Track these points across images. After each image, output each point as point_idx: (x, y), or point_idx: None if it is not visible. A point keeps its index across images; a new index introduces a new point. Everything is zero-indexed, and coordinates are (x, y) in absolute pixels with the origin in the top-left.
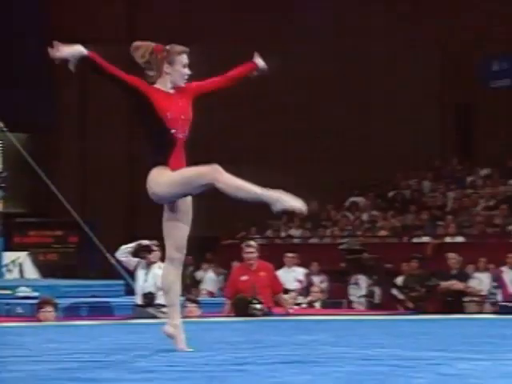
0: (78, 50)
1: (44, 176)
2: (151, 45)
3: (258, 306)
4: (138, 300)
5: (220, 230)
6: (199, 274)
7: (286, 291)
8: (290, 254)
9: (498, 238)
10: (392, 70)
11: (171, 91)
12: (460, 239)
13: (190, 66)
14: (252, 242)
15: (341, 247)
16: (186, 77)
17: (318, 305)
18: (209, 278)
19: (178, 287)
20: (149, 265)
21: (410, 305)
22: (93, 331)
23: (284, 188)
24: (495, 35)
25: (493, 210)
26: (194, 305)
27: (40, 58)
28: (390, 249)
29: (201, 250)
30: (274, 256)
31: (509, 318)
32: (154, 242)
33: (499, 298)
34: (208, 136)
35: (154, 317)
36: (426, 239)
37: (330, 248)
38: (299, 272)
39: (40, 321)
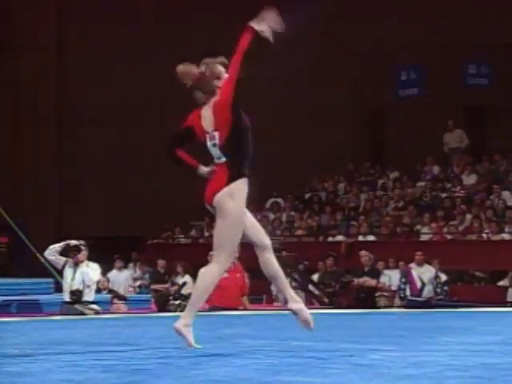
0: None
1: None
2: (193, 67)
3: (177, 302)
4: (66, 297)
5: (145, 230)
6: (111, 274)
7: None
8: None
9: (406, 237)
10: (307, 77)
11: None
12: (371, 238)
13: None
14: None
15: None
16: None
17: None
18: (121, 276)
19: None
20: (76, 264)
21: (326, 300)
22: (22, 327)
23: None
24: (404, 46)
25: (401, 210)
26: (121, 301)
27: None
28: (306, 247)
29: (127, 250)
30: (198, 255)
31: (416, 312)
32: (82, 242)
33: (408, 293)
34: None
35: (82, 313)
36: (340, 238)
37: (251, 246)
38: None
39: None
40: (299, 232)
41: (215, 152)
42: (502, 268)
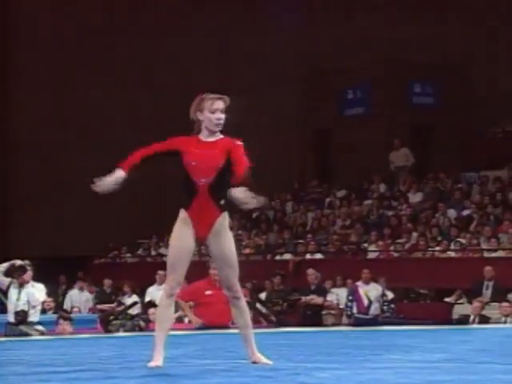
0: (119, 175)
1: None
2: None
3: (118, 322)
4: (11, 318)
5: (91, 249)
6: (72, 292)
7: (155, 307)
8: (161, 272)
9: (353, 255)
10: (253, 93)
11: (210, 139)
12: (319, 256)
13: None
14: None
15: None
16: (217, 121)
17: (186, 320)
18: (84, 297)
19: None
20: (21, 284)
21: (273, 318)
22: None
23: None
24: (350, 66)
25: (349, 228)
26: (66, 322)
27: None
28: (254, 266)
29: (73, 269)
30: (146, 273)
31: (363, 330)
32: (27, 262)
33: (355, 310)
34: None
35: (27, 334)
36: (287, 257)
37: (200, 265)
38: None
39: None
40: (247, 251)
41: None
42: (448, 285)
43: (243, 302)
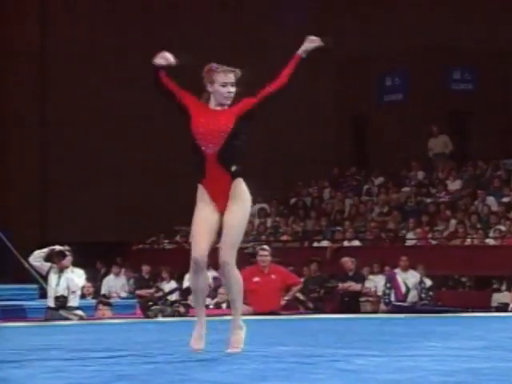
0: (171, 61)
1: None
2: (206, 66)
3: (158, 307)
4: (51, 303)
5: (130, 236)
6: (109, 278)
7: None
8: None
9: (391, 242)
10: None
11: (218, 108)
12: (356, 243)
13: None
14: (266, 247)
15: (246, 251)
16: (227, 95)
17: (224, 306)
18: (120, 282)
19: None
20: (61, 269)
21: (311, 305)
22: (7, 333)
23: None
24: (389, 52)
25: (386, 216)
26: (106, 307)
27: None
28: (291, 253)
29: (111, 255)
30: (183, 260)
31: (401, 317)
32: (66, 247)
33: (392, 298)
34: None
35: (66, 319)
36: (325, 244)
37: (237, 252)
38: (208, 275)
39: None
40: (284, 237)
41: None
42: (486, 273)
43: (231, 272)
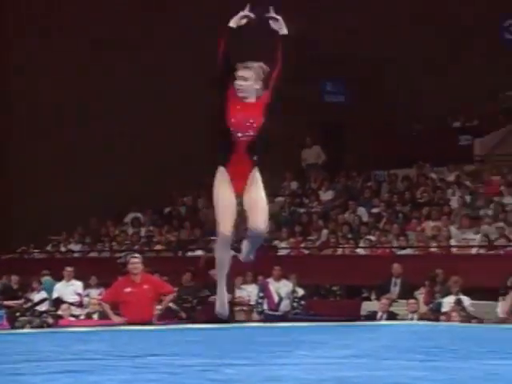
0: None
1: None
2: None
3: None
4: None
5: None
6: None
7: (64, 303)
8: (69, 268)
9: (264, 252)
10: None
11: (247, 100)
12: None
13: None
14: (137, 254)
15: (118, 261)
16: (238, 87)
17: (95, 316)
18: None
19: None
20: None
21: (183, 315)
22: None
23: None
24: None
25: None
26: None
27: None
28: (165, 262)
29: None
30: (54, 270)
31: (272, 326)
32: None
33: (265, 307)
34: None
35: None
36: (199, 253)
37: (109, 261)
38: (78, 285)
39: None
40: (158, 247)
41: None
42: (356, 283)
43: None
